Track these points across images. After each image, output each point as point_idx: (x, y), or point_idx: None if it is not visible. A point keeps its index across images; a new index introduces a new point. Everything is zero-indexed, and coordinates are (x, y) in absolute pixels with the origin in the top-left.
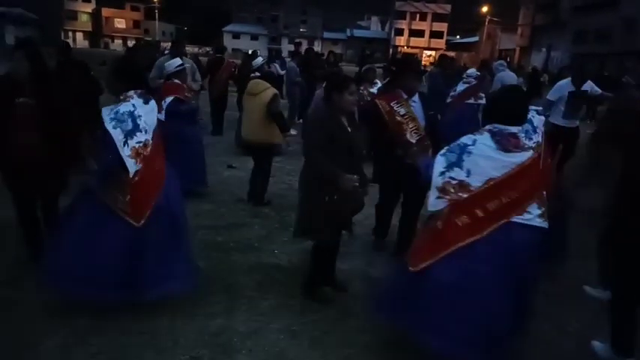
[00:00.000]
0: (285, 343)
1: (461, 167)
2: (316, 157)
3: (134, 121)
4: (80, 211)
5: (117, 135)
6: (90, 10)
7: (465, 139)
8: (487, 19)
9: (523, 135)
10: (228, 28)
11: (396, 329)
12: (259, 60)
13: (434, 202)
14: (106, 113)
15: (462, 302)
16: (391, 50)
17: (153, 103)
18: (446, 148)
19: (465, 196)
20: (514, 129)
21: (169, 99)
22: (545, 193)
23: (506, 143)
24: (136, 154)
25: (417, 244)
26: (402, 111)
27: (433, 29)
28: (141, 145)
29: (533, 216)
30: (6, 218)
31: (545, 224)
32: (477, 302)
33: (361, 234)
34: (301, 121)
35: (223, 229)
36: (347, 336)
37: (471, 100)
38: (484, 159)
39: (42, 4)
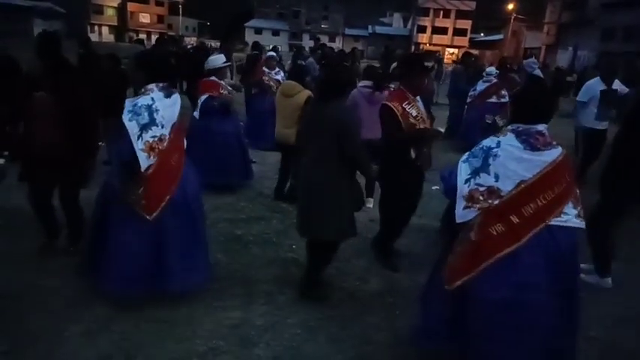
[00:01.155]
0: (301, 339)
1: (488, 172)
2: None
3: (151, 115)
4: (102, 206)
5: (132, 128)
6: (116, 5)
7: (488, 142)
8: (512, 17)
9: (547, 132)
10: (250, 23)
11: (449, 356)
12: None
13: (462, 214)
14: (127, 105)
15: (516, 320)
16: (413, 47)
17: (175, 97)
18: (467, 153)
19: (496, 202)
20: (540, 127)
21: (204, 97)
22: (578, 191)
23: (533, 142)
24: (150, 148)
25: (451, 261)
26: (414, 112)
27: (456, 27)
28: (156, 139)
29: (570, 216)
30: (27, 209)
31: (582, 224)
32: (533, 318)
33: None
34: None
35: (242, 223)
36: (364, 333)
37: (493, 99)
38: (513, 160)
39: None
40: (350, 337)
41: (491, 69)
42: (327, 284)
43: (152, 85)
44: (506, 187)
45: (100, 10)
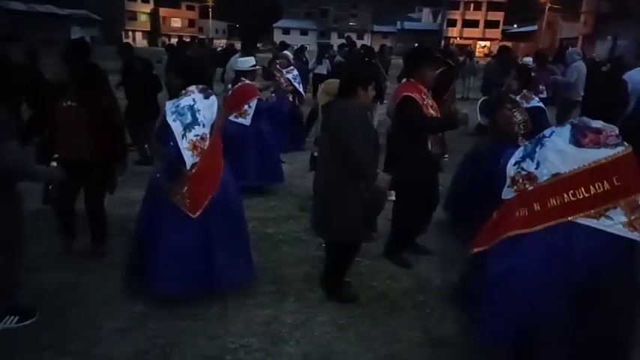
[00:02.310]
0: (332, 336)
1: (532, 159)
2: (363, 157)
3: (193, 115)
4: (149, 205)
5: (176, 127)
6: (148, 11)
7: (547, 131)
8: (547, 7)
9: (612, 131)
10: (278, 23)
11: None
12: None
13: (505, 192)
14: (169, 107)
15: (501, 297)
16: (443, 42)
17: (213, 98)
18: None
19: (531, 188)
20: (596, 123)
21: (253, 102)
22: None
23: (581, 137)
24: (194, 147)
25: (482, 230)
26: (430, 102)
27: (488, 19)
28: (198, 138)
29: (614, 222)
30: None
31: (635, 235)
32: (518, 300)
33: None
34: None
35: (272, 222)
36: (394, 331)
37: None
38: (554, 152)
39: (105, 6)
40: (380, 336)
41: (528, 59)
42: (353, 285)
43: (192, 87)
44: (543, 175)
45: (133, 16)
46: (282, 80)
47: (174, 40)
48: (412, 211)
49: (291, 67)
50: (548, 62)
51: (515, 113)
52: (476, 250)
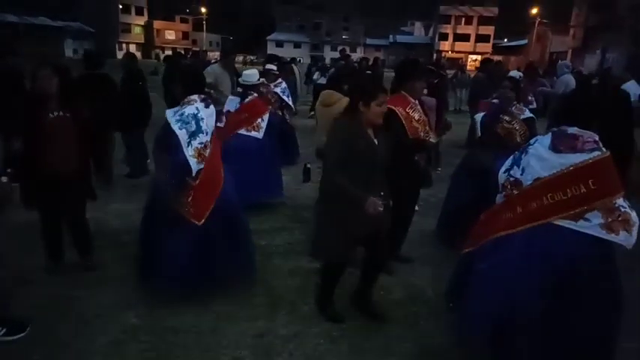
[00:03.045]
0: (324, 348)
1: (518, 165)
2: (338, 179)
3: (197, 123)
4: (151, 215)
5: (182, 135)
6: (142, 23)
7: (533, 139)
8: (537, 21)
9: (589, 137)
10: (272, 36)
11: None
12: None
13: (498, 197)
14: (171, 115)
15: (481, 293)
16: (435, 55)
17: (212, 107)
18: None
19: (516, 192)
20: (572, 129)
21: (266, 116)
22: (617, 204)
23: (558, 144)
24: (198, 154)
25: (473, 230)
26: (417, 115)
27: (479, 33)
28: (202, 146)
29: (592, 224)
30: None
31: (608, 235)
32: (497, 296)
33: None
34: None
35: (265, 234)
36: (387, 343)
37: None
38: (536, 158)
39: (99, 18)
40: (373, 348)
41: (515, 72)
42: (341, 304)
43: (195, 96)
44: (527, 181)
45: (127, 28)
46: (270, 96)
47: (168, 52)
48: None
49: (280, 81)
50: (539, 75)
51: (515, 125)
52: (466, 250)
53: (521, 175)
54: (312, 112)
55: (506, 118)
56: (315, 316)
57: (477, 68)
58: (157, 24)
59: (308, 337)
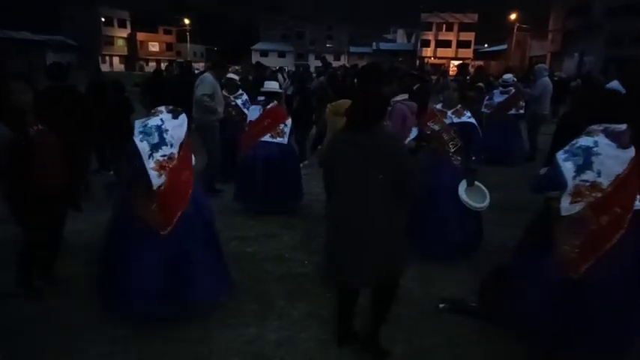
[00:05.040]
0: (315, 352)
1: (591, 169)
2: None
3: (160, 135)
4: (119, 225)
5: (143, 147)
6: (125, 35)
7: (583, 142)
8: (516, 27)
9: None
10: (256, 46)
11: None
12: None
13: (568, 207)
14: (137, 126)
15: (622, 302)
16: (418, 62)
17: (183, 117)
18: (565, 152)
19: (599, 195)
20: (624, 126)
21: (289, 121)
22: None
23: (622, 140)
24: (160, 166)
25: (569, 250)
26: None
27: (460, 39)
28: (166, 158)
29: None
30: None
31: None
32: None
33: None
34: None
35: (253, 241)
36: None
37: (513, 111)
38: (610, 158)
39: (82, 32)
40: (364, 350)
41: (509, 76)
42: (333, 303)
43: (162, 107)
44: (606, 181)
45: (110, 41)
46: (231, 108)
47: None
48: None
49: (240, 92)
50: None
51: (443, 134)
52: (583, 268)
53: (599, 177)
54: None
55: (435, 126)
56: (305, 320)
57: (456, 73)
58: (141, 36)
59: (299, 341)
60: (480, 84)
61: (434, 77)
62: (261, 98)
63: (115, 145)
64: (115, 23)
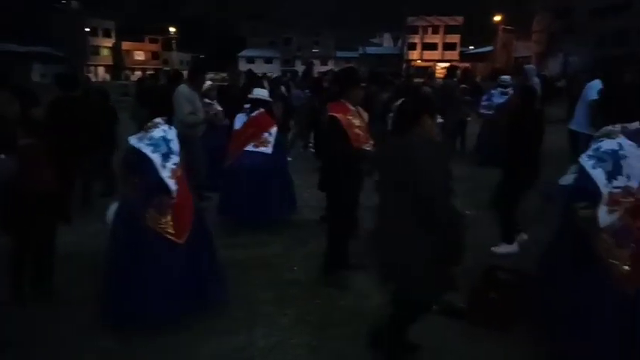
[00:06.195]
0: (305, 358)
1: (621, 173)
2: (444, 206)
3: (167, 145)
4: (125, 237)
5: (157, 159)
6: (110, 45)
7: (609, 145)
8: (501, 28)
9: None
10: (243, 53)
11: None
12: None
13: (607, 218)
14: (136, 142)
15: None
16: (404, 65)
17: (173, 129)
18: (590, 158)
19: (632, 200)
20: (636, 124)
21: (274, 130)
22: None
23: (638, 139)
24: (174, 174)
25: (623, 266)
26: (357, 122)
27: (446, 41)
28: (175, 166)
29: None
30: None
31: None
32: None
33: None
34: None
35: (241, 248)
36: (368, 351)
37: None
38: (636, 159)
39: (68, 42)
40: (354, 355)
41: (507, 77)
42: (322, 304)
43: (159, 119)
44: (635, 184)
45: (96, 50)
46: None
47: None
48: (344, 221)
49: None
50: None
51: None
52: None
53: (628, 181)
54: None
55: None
56: (294, 326)
57: (445, 75)
58: (126, 45)
59: (288, 347)
60: (464, 85)
61: (420, 80)
62: (247, 106)
63: (98, 155)
64: (100, 33)
